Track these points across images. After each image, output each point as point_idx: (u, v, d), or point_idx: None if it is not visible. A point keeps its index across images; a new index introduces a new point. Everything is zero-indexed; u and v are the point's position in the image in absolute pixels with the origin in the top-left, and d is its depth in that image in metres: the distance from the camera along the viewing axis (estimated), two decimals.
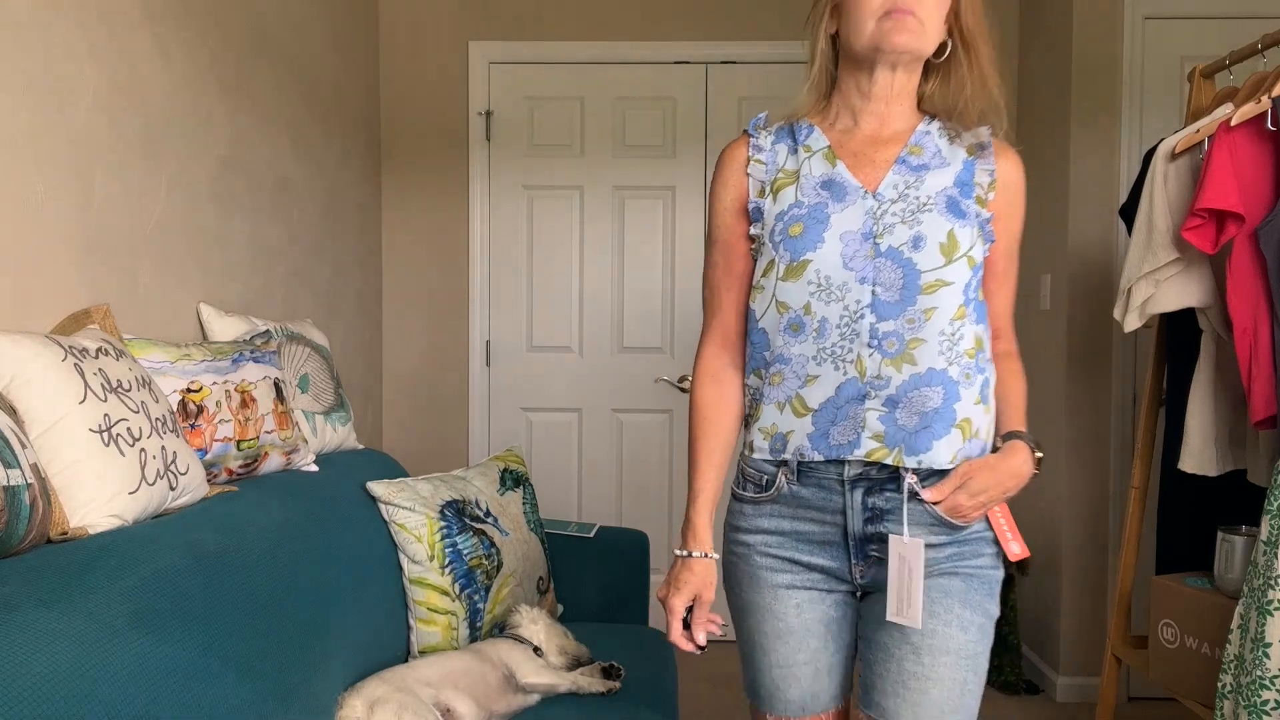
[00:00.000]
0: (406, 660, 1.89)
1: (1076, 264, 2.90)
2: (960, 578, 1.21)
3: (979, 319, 1.24)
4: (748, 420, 1.32)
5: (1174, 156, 2.09)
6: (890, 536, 1.19)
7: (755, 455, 1.27)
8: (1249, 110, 1.90)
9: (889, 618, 1.19)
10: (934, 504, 1.19)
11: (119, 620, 1.07)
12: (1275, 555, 1.63)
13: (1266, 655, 1.61)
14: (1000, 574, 1.25)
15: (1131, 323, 2.14)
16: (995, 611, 1.24)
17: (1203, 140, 2.03)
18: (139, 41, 1.80)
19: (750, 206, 1.29)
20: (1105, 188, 2.90)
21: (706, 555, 1.27)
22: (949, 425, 1.19)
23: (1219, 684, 1.74)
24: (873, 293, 1.20)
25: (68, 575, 1.08)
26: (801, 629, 1.27)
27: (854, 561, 1.24)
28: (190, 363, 1.66)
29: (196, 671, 1.15)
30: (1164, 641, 2.09)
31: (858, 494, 1.21)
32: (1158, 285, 2.10)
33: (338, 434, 2.19)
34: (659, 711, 1.76)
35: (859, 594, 1.29)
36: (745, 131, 1.36)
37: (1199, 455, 2.10)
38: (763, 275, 1.27)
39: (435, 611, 1.89)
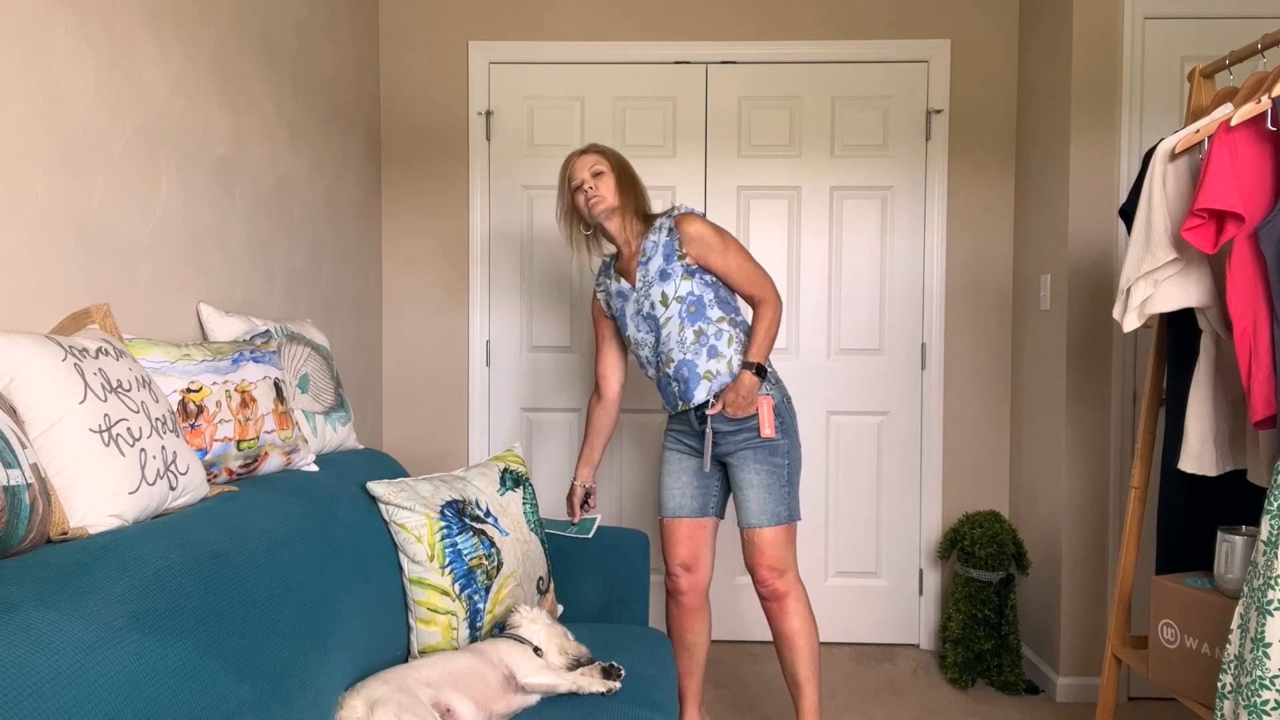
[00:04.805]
0: (406, 660, 1.89)
1: (1076, 264, 2.90)
2: (750, 449, 2.32)
3: (693, 321, 2.32)
4: None
5: (1173, 156, 2.09)
6: (706, 431, 2.34)
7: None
8: (1249, 110, 1.90)
9: (705, 468, 2.37)
10: (720, 411, 2.30)
11: (119, 620, 1.07)
12: (1275, 555, 1.63)
13: (1266, 655, 1.61)
14: (778, 443, 2.31)
15: (1130, 323, 2.14)
16: (779, 460, 2.32)
17: (1202, 140, 2.03)
18: (139, 41, 1.80)
19: (608, 315, 2.54)
20: (1105, 188, 2.90)
21: (583, 483, 2.55)
22: (699, 381, 2.32)
23: (1219, 684, 1.74)
24: (651, 337, 2.39)
25: (67, 575, 1.08)
26: (679, 470, 2.44)
27: (703, 442, 2.38)
28: (190, 363, 1.66)
29: (196, 671, 1.15)
30: (1164, 641, 2.09)
31: (692, 414, 2.37)
32: (1156, 285, 2.10)
33: (338, 434, 2.19)
34: (659, 711, 1.76)
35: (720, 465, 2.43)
36: (596, 282, 2.56)
37: (1198, 455, 2.10)
38: (612, 350, 2.56)
39: (435, 611, 1.89)
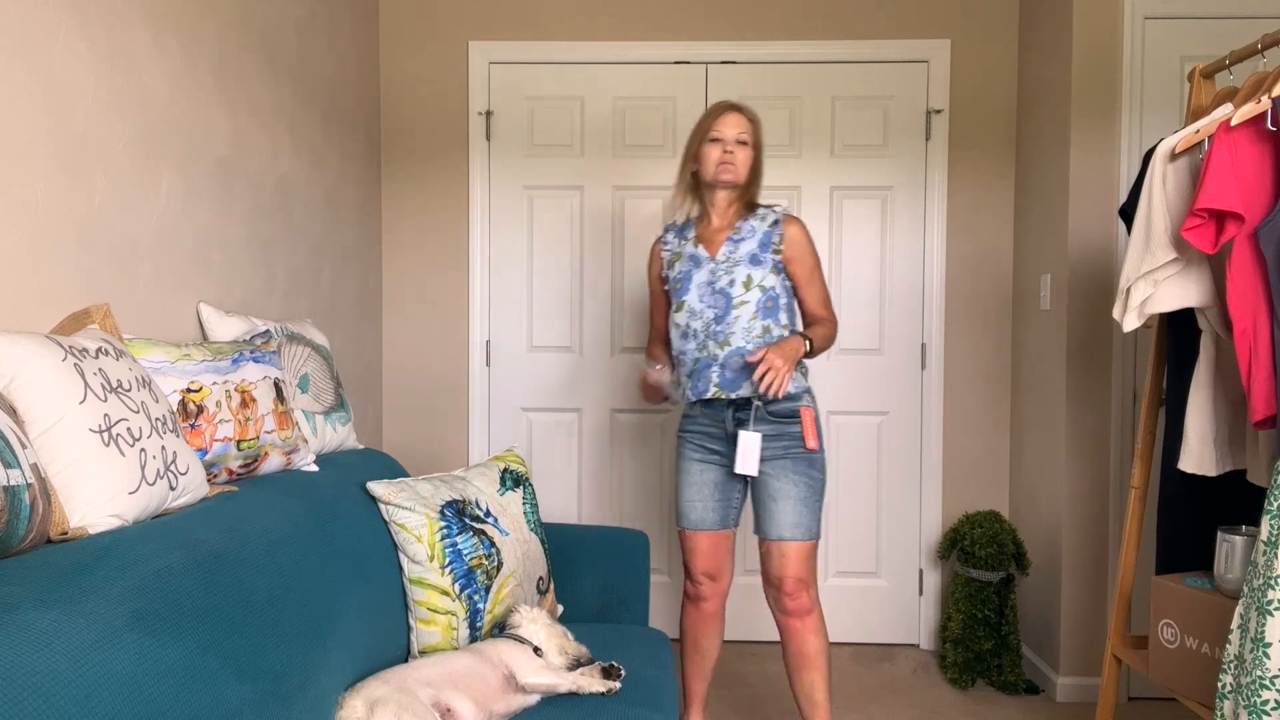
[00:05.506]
0: (406, 660, 1.89)
1: (1076, 264, 2.90)
2: (789, 458, 2.25)
3: (765, 316, 2.27)
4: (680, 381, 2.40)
5: (1173, 156, 2.09)
6: (740, 432, 2.24)
7: (682, 400, 2.39)
8: (1249, 110, 1.90)
9: (736, 470, 2.24)
10: (757, 361, 2.14)
11: (119, 620, 1.07)
12: (1275, 555, 1.63)
13: (1266, 655, 1.61)
14: (816, 456, 2.27)
15: (1130, 323, 2.14)
16: (817, 474, 2.27)
17: (1202, 140, 2.03)
18: (139, 41, 1.80)
19: (663, 274, 2.44)
20: (1105, 188, 2.90)
21: (660, 366, 2.43)
22: (749, 375, 2.23)
23: (1219, 684, 1.74)
24: (712, 312, 2.28)
25: (68, 575, 1.08)
26: (700, 483, 2.36)
27: (732, 448, 2.31)
28: (190, 363, 1.66)
29: (196, 672, 1.15)
30: (1164, 641, 2.09)
31: (729, 412, 2.30)
32: (1156, 285, 2.10)
33: (338, 434, 2.19)
34: (659, 711, 1.76)
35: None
36: (660, 235, 2.48)
37: (1198, 455, 2.10)
38: (670, 310, 2.38)
39: (435, 611, 1.89)
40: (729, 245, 2.30)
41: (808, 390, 2.32)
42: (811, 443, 2.24)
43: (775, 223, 2.32)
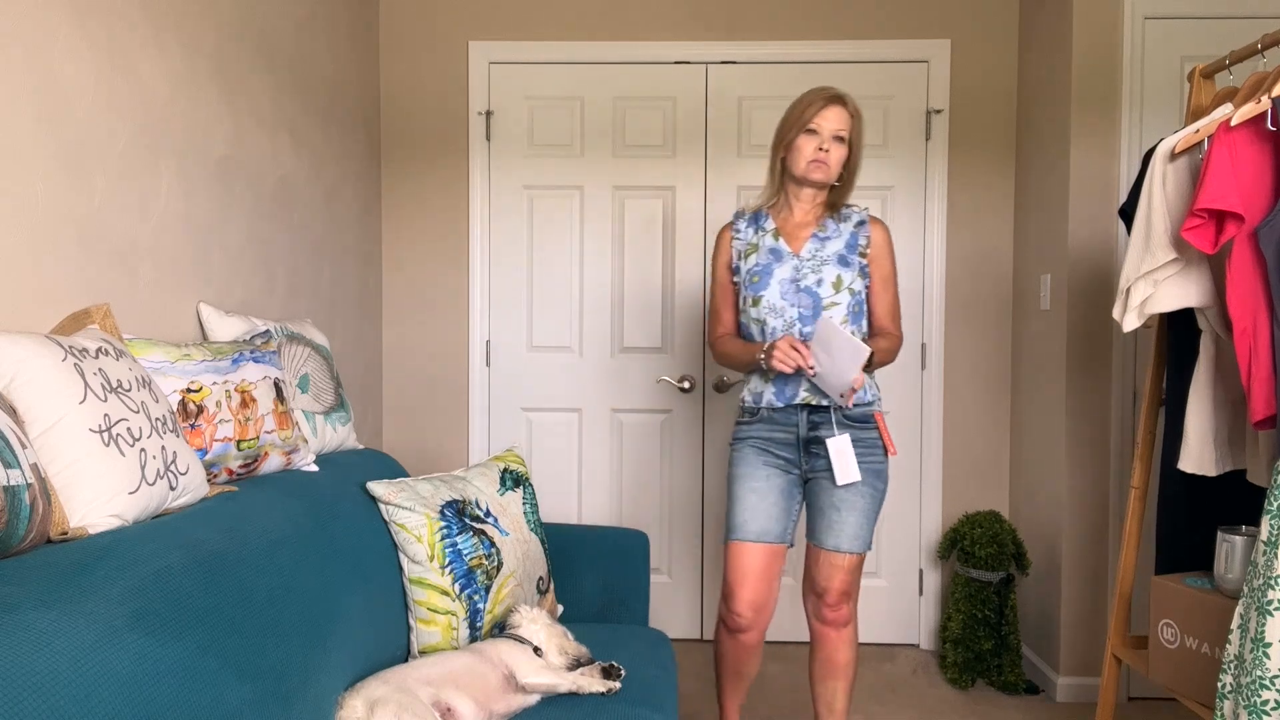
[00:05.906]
0: (406, 660, 1.89)
1: (1076, 264, 2.90)
2: (861, 468, 2.14)
3: (854, 320, 2.19)
4: (742, 384, 2.32)
5: (1173, 156, 2.09)
6: (827, 439, 2.13)
7: (746, 404, 2.25)
8: (1249, 110, 1.90)
9: (840, 483, 2.12)
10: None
11: (119, 620, 1.07)
12: (1275, 555, 1.63)
13: (1266, 655, 1.61)
14: (884, 466, 2.18)
15: (1130, 323, 2.14)
16: (881, 486, 2.18)
17: (1202, 140, 2.03)
18: (139, 41, 1.80)
19: (733, 265, 2.29)
20: (1105, 188, 2.90)
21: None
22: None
23: (1219, 684, 1.74)
24: (797, 311, 2.17)
25: (68, 575, 1.08)
26: (766, 489, 2.18)
27: (801, 455, 2.19)
28: (190, 363, 1.66)
29: (196, 672, 1.15)
30: (1164, 641, 2.09)
31: (804, 415, 2.18)
32: (1156, 285, 2.10)
33: (338, 434, 2.19)
34: (659, 711, 1.76)
35: (805, 480, 2.22)
36: (730, 221, 2.32)
37: (1197, 455, 2.10)
38: (742, 304, 2.26)
39: (435, 611, 1.89)
40: (814, 243, 2.19)
41: (879, 397, 2.24)
42: (894, 450, 2.18)
43: (861, 223, 2.23)
